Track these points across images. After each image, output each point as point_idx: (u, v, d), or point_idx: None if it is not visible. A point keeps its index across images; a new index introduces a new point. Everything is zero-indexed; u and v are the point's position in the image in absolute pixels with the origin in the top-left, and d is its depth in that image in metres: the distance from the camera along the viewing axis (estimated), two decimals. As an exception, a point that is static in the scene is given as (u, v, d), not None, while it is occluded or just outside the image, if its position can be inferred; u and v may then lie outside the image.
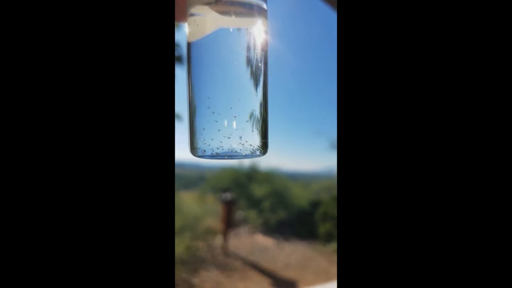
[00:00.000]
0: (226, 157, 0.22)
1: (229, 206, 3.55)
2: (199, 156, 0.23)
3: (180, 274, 2.51)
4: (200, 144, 0.22)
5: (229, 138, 0.22)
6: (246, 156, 0.22)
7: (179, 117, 1.83)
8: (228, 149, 0.22)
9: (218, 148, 0.22)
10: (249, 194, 4.87)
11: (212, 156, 0.22)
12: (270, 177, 5.24)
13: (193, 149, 0.23)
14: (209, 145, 0.22)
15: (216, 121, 0.22)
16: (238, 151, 0.22)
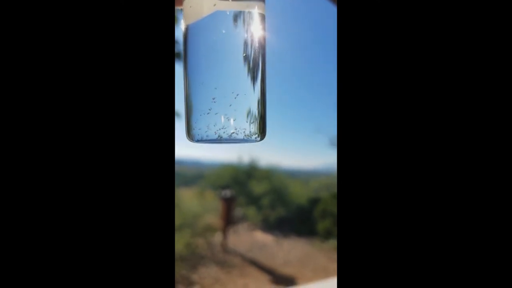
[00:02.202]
0: (224, 141, 0.22)
1: (228, 203, 3.55)
2: (196, 141, 0.22)
3: (179, 270, 2.52)
4: (197, 129, 0.22)
5: (226, 121, 0.21)
6: (243, 141, 0.22)
7: (179, 115, 1.82)
8: (226, 133, 0.21)
9: (215, 132, 0.21)
10: (248, 191, 4.87)
11: (210, 141, 0.22)
12: (269, 174, 5.24)
13: (190, 134, 0.22)
14: (207, 129, 0.22)
15: (212, 106, 0.21)
16: (236, 135, 0.22)
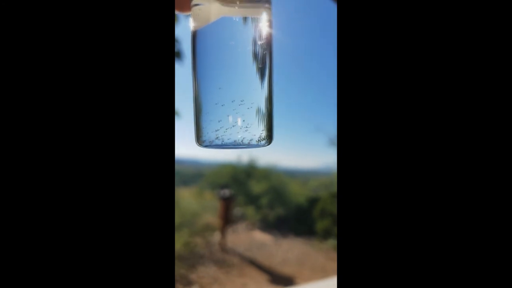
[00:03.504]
0: (233, 146, 0.22)
1: (227, 203, 3.55)
2: (205, 146, 0.22)
3: (178, 270, 2.52)
4: (206, 134, 0.22)
5: (234, 127, 0.21)
6: (252, 146, 0.22)
7: (178, 114, 1.82)
8: (234, 139, 0.22)
9: (224, 138, 0.22)
10: (247, 191, 4.88)
11: (218, 146, 0.22)
12: (268, 173, 5.24)
13: (199, 139, 0.23)
14: (215, 135, 0.22)
15: (222, 112, 0.21)
16: (244, 140, 0.22)
